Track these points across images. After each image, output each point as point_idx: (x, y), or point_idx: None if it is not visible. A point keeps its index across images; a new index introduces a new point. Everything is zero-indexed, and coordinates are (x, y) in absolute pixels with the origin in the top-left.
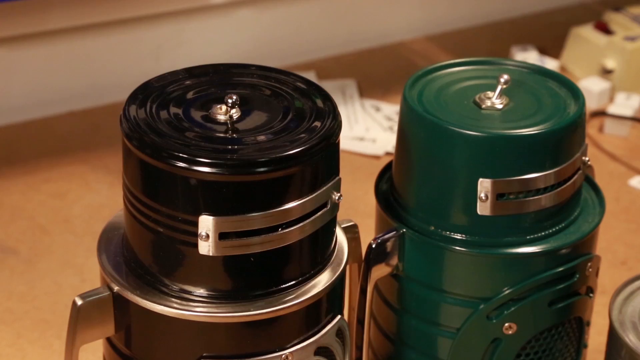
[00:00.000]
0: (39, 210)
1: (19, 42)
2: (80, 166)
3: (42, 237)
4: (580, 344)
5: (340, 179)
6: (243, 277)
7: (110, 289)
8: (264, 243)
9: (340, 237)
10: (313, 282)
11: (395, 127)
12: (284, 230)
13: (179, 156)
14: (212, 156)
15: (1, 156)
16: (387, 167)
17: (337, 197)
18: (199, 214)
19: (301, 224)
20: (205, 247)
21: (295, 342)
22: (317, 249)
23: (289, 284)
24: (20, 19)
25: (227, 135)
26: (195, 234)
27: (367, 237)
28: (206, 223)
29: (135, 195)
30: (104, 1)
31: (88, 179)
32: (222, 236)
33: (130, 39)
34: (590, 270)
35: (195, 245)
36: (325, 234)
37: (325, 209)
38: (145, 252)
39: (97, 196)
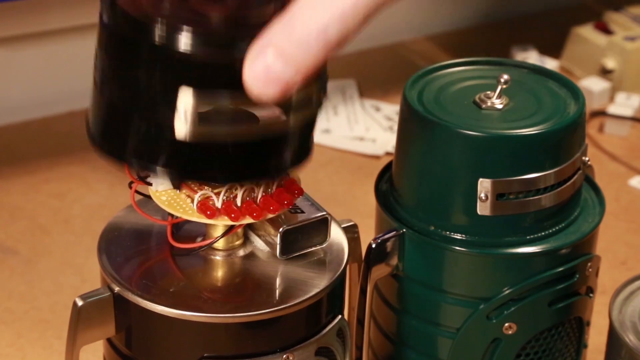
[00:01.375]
0: (39, 210)
1: (19, 42)
2: (80, 166)
3: (42, 237)
4: (580, 344)
5: (327, 77)
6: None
7: (111, 290)
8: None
9: (340, 237)
10: (313, 282)
11: (395, 127)
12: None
13: None
14: None
15: (1, 156)
16: (387, 167)
17: (322, 95)
18: None
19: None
20: None
21: (296, 342)
22: (300, 142)
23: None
24: (20, 19)
25: None
26: None
27: (367, 237)
28: None
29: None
30: None
31: (88, 179)
32: None
33: None
34: (590, 270)
35: None
36: (306, 129)
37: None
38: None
39: (97, 196)
